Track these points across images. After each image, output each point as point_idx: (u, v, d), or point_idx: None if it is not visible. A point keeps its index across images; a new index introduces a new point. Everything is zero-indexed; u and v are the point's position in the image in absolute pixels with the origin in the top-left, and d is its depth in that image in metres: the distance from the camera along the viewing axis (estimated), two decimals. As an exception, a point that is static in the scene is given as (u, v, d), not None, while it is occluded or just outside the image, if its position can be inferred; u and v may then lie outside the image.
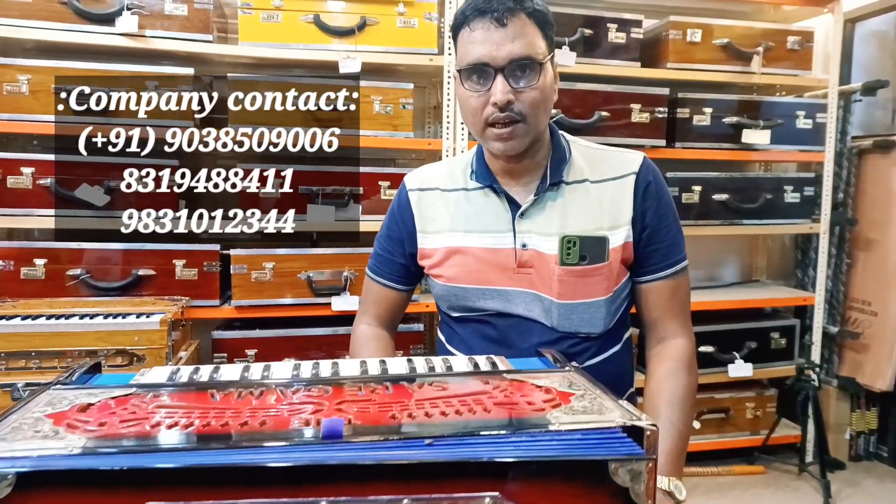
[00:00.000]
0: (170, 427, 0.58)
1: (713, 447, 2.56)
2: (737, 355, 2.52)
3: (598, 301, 1.08)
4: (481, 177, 1.12)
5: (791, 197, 2.57)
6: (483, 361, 0.83)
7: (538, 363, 0.88)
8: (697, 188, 2.45)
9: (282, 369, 0.78)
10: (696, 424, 2.53)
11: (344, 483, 0.52)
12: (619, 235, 1.08)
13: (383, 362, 0.81)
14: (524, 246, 1.09)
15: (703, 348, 2.45)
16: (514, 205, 1.10)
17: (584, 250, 1.06)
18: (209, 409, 0.63)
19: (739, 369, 2.50)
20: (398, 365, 0.81)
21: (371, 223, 2.15)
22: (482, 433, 0.58)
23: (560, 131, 1.15)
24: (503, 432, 0.58)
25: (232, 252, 2.07)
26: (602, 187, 1.10)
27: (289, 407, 0.64)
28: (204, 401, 0.66)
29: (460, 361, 0.83)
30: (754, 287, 2.85)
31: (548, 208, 1.09)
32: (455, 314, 1.16)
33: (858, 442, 2.72)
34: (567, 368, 0.80)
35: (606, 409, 0.64)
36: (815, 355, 2.64)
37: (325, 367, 0.79)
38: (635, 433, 0.59)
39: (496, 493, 0.52)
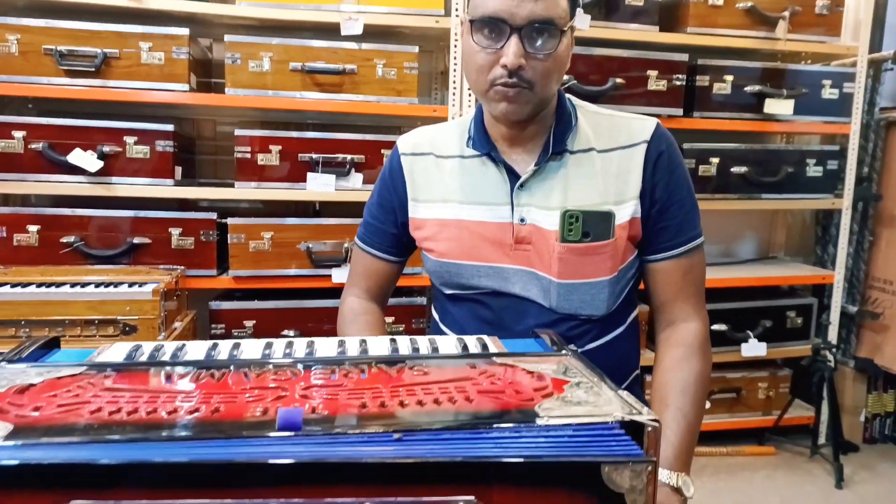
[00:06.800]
0: (111, 414, 0.52)
1: (723, 427, 2.49)
2: (751, 334, 2.43)
3: (602, 281, 1.00)
4: (479, 144, 1.04)
5: (813, 171, 2.46)
6: (473, 343, 0.77)
7: (534, 345, 0.81)
8: (715, 160, 2.34)
9: (252, 348, 0.72)
10: (706, 404, 2.46)
11: (298, 482, 0.46)
12: (627, 210, 0.99)
13: (363, 342, 0.75)
14: (522, 220, 1.01)
15: (715, 326, 2.37)
16: (513, 175, 1.02)
17: (587, 226, 0.98)
18: (160, 393, 0.57)
19: (753, 348, 2.42)
20: (379, 345, 0.75)
21: (373, 193, 2.08)
22: (460, 427, 0.51)
23: (567, 95, 1.07)
24: (484, 427, 0.51)
25: (229, 221, 2.01)
26: (609, 157, 1.01)
27: (249, 392, 0.58)
28: (157, 384, 0.60)
29: (448, 342, 0.77)
30: (771, 264, 2.75)
31: (549, 180, 1.01)
32: (448, 291, 1.09)
33: (874, 425, 2.65)
34: (564, 352, 0.73)
35: (603, 400, 0.57)
36: (833, 335, 2.55)
37: (300, 346, 0.73)
38: (635, 429, 0.52)
39: (471, 498, 0.46)
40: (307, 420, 0.51)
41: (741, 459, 2.47)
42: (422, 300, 2.20)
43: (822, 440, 2.51)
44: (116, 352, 0.69)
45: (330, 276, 2.08)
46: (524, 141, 1.02)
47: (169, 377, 0.61)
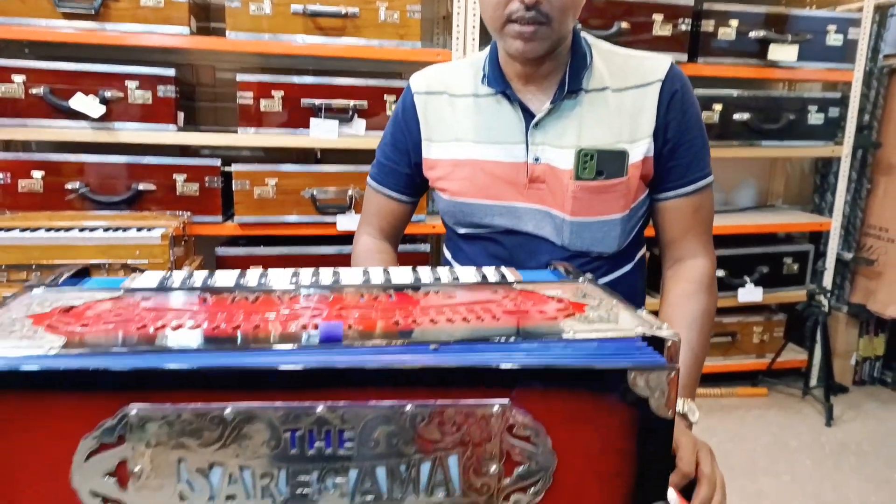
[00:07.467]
0: (156, 329, 0.54)
1: (717, 370, 2.56)
2: (747, 280, 2.48)
3: (614, 219, 1.02)
4: (494, 81, 1.04)
5: (815, 118, 2.46)
6: (492, 272, 0.79)
7: (550, 275, 0.83)
8: (718, 107, 2.34)
9: (280, 277, 0.74)
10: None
11: (343, 388, 0.48)
12: (640, 149, 1.00)
13: (387, 271, 0.77)
14: (537, 159, 1.02)
15: (713, 273, 2.41)
16: (527, 114, 1.02)
17: (601, 165, 0.99)
18: (200, 312, 0.59)
19: (749, 294, 2.47)
20: (402, 274, 0.77)
21: (376, 139, 2.07)
22: (491, 340, 0.54)
23: (583, 33, 1.06)
24: (514, 339, 0.54)
25: (234, 167, 2.01)
26: (623, 96, 1.02)
27: (285, 312, 0.60)
28: (195, 305, 0.62)
29: (467, 272, 0.79)
30: (769, 212, 2.78)
31: (564, 118, 1.01)
32: (461, 230, 1.11)
33: (864, 367, 2.73)
34: (581, 280, 0.75)
35: (624, 319, 0.60)
36: (827, 281, 2.60)
37: (326, 275, 0.75)
38: (655, 343, 0.55)
39: (506, 400, 0.49)
40: (347, 333, 0.54)
41: (734, 400, 2.55)
42: (426, 247, 2.23)
43: (813, 382, 2.59)
44: (149, 279, 0.71)
45: (335, 223, 2.10)
46: (539, 79, 1.02)
47: (205, 300, 0.64)
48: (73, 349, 0.50)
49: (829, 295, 2.51)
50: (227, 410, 0.47)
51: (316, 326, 0.56)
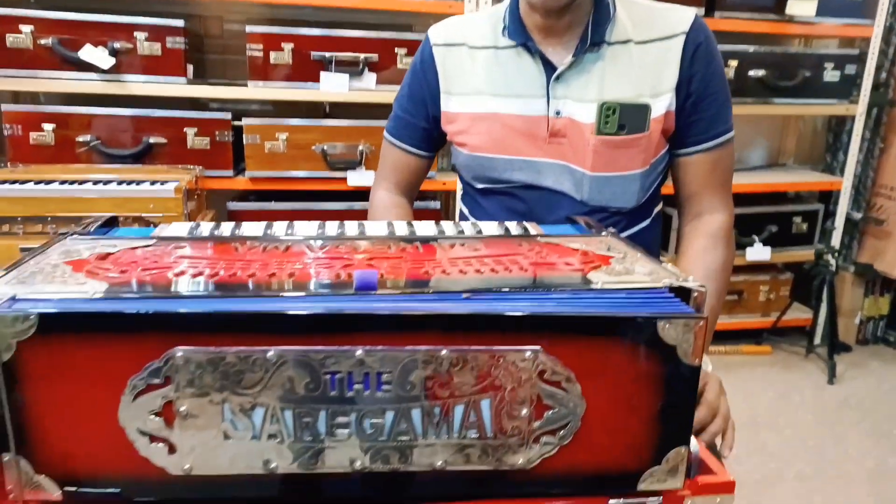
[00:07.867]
0: (195, 276, 0.56)
1: (722, 328, 2.58)
2: (756, 238, 2.48)
3: (634, 174, 1.02)
4: (514, 33, 1.02)
5: (830, 75, 2.43)
6: (514, 226, 0.80)
7: (571, 229, 0.84)
8: (734, 63, 2.30)
9: (306, 228, 0.75)
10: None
11: (378, 334, 0.50)
12: (662, 103, 1.00)
13: (410, 224, 0.78)
14: (558, 113, 1.01)
15: (722, 231, 2.41)
16: (549, 67, 1.01)
17: (623, 119, 0.98)
18: (234, 260, 0.60)
19: (757, 252, 2.48)
20: (426, 227, 0.78)
21: (387, 94, 2.05)
22: (521, 289, 0.55)
23: (606, -17, 1.04)
24: (543, 290, 0.55)
25: (244, 121, 2.00)
26: (647, 49, 1.00)
27: (317, 261, 0.61)
28: (228, 253, 0.63)
29: (490, 226, 0.80)
30: (780, 171, 2.76)
31: (586, 72, 1.00)
32: (479, 185, 1.11)
33: (868, 327, 2.75)
34: (603, 233, 0.76)
35: (649, 270, 0.61)
36: (836, 241, 2.60)
37: (352, 227, 0.76)
38: (682, 294, 0.56)
39: (537, 347, 0.50)
40: (381, 282, 0.55)
41: (738, 358, 2.58)
42: (436, 204, 2.23)
43: (817, 341, 2.62)
44: (178, 228, 0.72)
45: (345, 178, 2.09)
46: (560, 32, 1.01)
47: (237, 249, 0.65)
48: (115, 293, 0.51)
49: (836, 254, 2.51)
50: (270, 353, 0.48)
51: (350, 276, 0.57)
